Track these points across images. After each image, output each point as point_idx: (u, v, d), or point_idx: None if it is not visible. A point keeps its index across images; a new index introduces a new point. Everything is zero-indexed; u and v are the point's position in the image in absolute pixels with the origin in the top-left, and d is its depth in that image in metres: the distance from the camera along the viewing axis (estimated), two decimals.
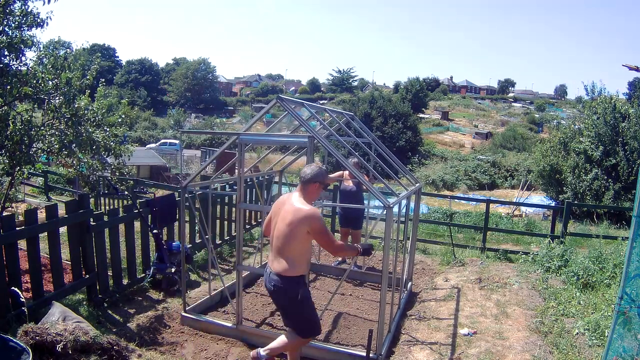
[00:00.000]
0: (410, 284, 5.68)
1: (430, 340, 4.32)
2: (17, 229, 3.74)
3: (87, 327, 3.29)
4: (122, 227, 4.99)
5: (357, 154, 6.17)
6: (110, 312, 4.48)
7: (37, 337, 2.89)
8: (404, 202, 4.53)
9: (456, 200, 16.55)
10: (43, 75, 4.75)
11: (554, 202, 16.69)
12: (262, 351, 3.37)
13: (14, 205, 8.58)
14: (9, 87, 4.44)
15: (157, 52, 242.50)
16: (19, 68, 4.64)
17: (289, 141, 4.37)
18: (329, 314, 4.83)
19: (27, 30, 4.68)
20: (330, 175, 6.21)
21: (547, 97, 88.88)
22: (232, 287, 4.94)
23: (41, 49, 4.94)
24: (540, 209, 15.84)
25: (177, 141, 36.91)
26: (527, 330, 4.49)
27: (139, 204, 5.15)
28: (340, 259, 6.63)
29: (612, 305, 4.01)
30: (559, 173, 16.65)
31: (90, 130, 5.04)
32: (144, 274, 5.21)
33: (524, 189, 23.55)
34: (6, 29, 4.57)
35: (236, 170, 4.27)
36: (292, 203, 3.13)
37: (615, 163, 14.83)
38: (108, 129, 5.40)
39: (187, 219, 5.98)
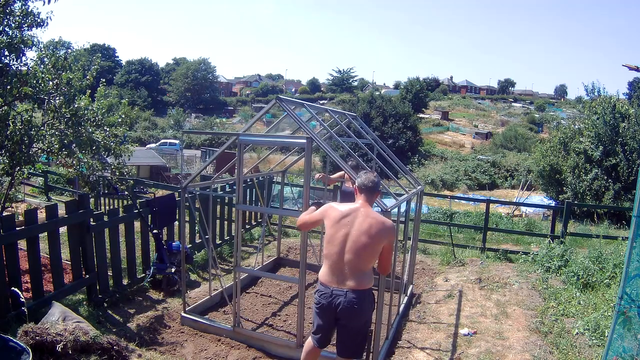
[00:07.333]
0: (411, 287, 5.65)
1: (430, 341, 4.32)
2: (17, 229, 3.74)
3: (87, 327, 3.29)
4: (122, 227, 4.99)
5: (356, 154, 6.19)
6: (110, 312, 4.48)
7: (37, 337, 2.89)
8: (403, 204, 4.52)
9: (456, 200, 16.53)
10: (43, 75, 4.75)
11: (554, 202, 16.68)
12: None
13: (14, 205, 8.58)
14: (9, 87, 4.44)
15: (157, 52, 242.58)
16: (19, 68, 4.63)
17: (288, 142, 4.36)
18: None
19: (28, 30, 4.68)
20: (331, 176, 6.21)
21: (547, 97, 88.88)
22: (230, 288, 4.94)
23: (41, 49, 4.93)
24: (540, 209, 15.84)
25: (177, 141, 36.94)
26: (527, 330, 4.49)
27: (139, 204, 5.15)
28: None
29: (612, 305, 4.01)
30: (559, 173, 16.65)
31: (90, 130, 5.04)
32: (144, 274, 5.21)
33: (524, 189, 23.55)
34: (6, 29, 4.57)
35: (236, 171, 4.26)
36: (369, 215, 2.93)
37: (615, 163, 14.83)
38: (108, 129, 5.40)
39: (187, 219, 5.98)
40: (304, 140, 3.71)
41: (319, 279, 3.07)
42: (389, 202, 3.87)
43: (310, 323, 4.35)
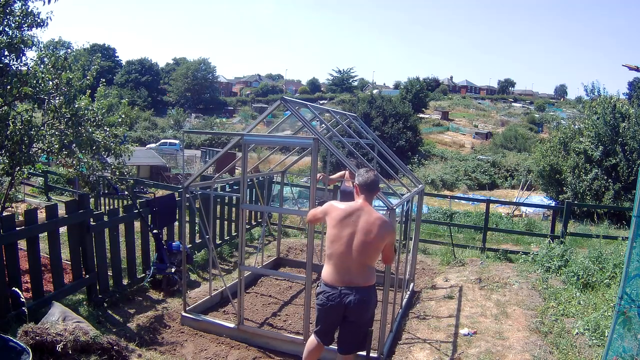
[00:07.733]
0: (411, 286, 5.67)
1: (431, 340, 4.32)
2: (17, 229, 3.74)
3: (87, 327, 3.29)
4: (122, 227, 4.99)
5: (358, 153, 6.20)
6: (110, 312, 4.48)
7: (37, 337, 2.89)
8: (404, 204, 4.53)
9: (456, 200, 16.55)
10: (43, 75, 4.75)
11: (554, 202, 16.68)
12: None
13: (14, 205, 8.58)
14: (9, 87, 4.44)
15: (157, 52, 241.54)
16: (19, 68, 4.63)
17: (294, 142, 4.37)
18: None
19: (28, 30, 4.68)
20: (331, 176, 6.22)
21: (547, 97, 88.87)
22: (233, 287, 4.95)
23: (41, 49, 4.94)
24: (540, 209, 15.84)
25: (177, 141, 36.96)
26: (527, 330, 4.49)
27: (139, 204, 5.15)
28: None
29: (612, 305, 4.01)
30: (559, 173, 16.66)
31: (90, 130, 5.04)
32: (144, 274, 5.21)
33: (524, 189, 23.57)
34: (6, 29, 4.57)
35: (236, 171, 4.27)
36: (372, 214, 2.95)
37: (615, 163, 14.83)
38: (108, 129, 5.40)
39: (187, 219, 5.98)
40: (311, 141, 3.75)
41: (322, 279, 3.06)
42: (393, 201, 3.89)
43: (311, 322, 4.36)
